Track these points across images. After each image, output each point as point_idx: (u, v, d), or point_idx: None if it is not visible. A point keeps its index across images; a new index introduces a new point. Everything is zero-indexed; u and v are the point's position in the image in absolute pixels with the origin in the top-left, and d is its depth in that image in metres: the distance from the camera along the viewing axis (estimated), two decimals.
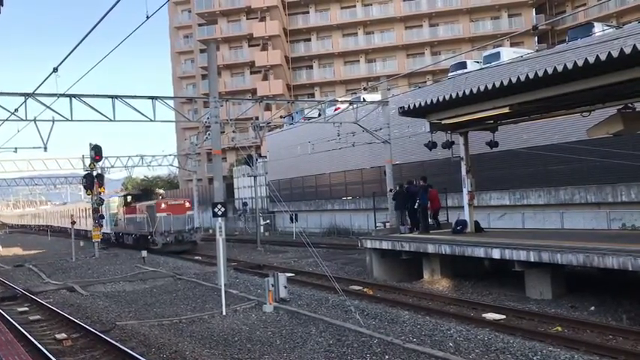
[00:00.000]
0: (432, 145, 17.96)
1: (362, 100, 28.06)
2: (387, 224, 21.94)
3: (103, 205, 38.48)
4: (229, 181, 50.51)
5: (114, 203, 39.74)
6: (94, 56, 14.22)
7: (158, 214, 30.16)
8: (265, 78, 60.24)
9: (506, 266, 14.14)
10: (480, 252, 14.49)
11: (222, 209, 14.09)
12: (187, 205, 32.08)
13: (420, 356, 8.86)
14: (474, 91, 14.24)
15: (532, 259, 12.90)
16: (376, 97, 28.26)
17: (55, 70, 14.42)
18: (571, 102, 14.26)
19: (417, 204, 18.97)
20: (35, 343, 10.81)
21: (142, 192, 38.50)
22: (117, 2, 9.60)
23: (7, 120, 19.04)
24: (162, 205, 30.84)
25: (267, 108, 49.96)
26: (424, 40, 58.49)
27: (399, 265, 18.02)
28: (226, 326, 11.77)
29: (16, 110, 18.39)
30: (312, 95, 60.36)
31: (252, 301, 14.03)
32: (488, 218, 24.45)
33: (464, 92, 14.65)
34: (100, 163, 33.59)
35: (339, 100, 31.93)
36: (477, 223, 18.43)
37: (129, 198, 36.12)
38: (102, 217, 32.07)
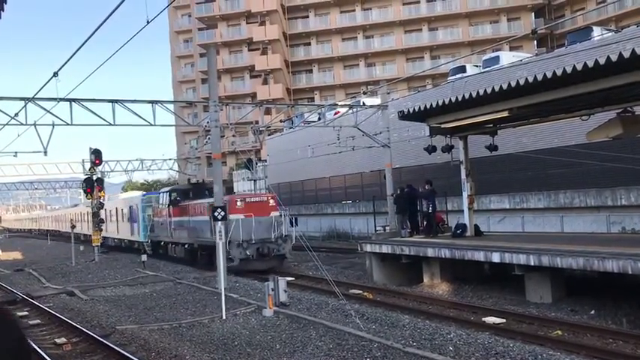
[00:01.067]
0: (431, 149, 18.01)
1: (361, 104, 28.11)
2: (387, 228, 21.95)
3: (135, 205, 33.33)
4: (229, 184, 50.51)
5: (147, 203, 31.76)
6: (94, 61, 14.28)
7: (232, 217, 20.70)
8: (265, 82, 60.32)
9: (506, 270, 14.14)
10: (479, 256, 14.49)
11: (222, 213, 14.12)
12: (272, 202, 22.47)
13: None
14: (474, 95, 14.28)
15: (532, 263, 12.90)
16: (376, 101, 28.33)
17: (56, 74, 14.45)
18: (570, 106, 14.29)
19: (430, 208, 19.07)
20: (35, 348, 10.80)
21: (192, 186, 28.38)
22: (117, 7, 9.64)
23: (7, 124, 19.07)
24: (238, 203, 21.70)
25: (267, 112, 49.98)
26: (424, 44, 58.61)
27: (399, 268, 18.02)
28: (226, 330, 11.75)
29: (16, 115, 18.41)
30: (312, 99, 60.43)
31: (252, 306, 14.01)
32: (488, 222, 24.45)
33: (463, 96, 14.69)
34: (100, 167, 33.52)
35: (339, 104, 31.95)
36: (476, 227, 18.45)
37: (174, 194, 27.00)
38: (102, 221, 31.61)
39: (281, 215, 22.25)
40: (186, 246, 25.13)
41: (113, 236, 38.18)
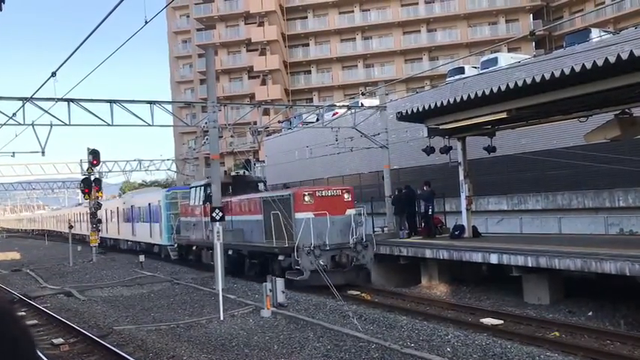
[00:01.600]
0: (429, 150, 18.03)
1: (360, 105, 28.11)
2: (385, 229, 21.96)
3: (156, 203, 29.33)
4: None
5: (171, 200, 27.79)
6: (93, 61, 14.27)
7: (300, 215, 16.76)
8: (263, 83, 60.31)
9: (504, 271, 14.16)
10: (477, 257, 14.51)
11: (220, 214, 14.12)
12: (347, 197, 17.59)
13: None
14: (472, 96, 14.30)
15: (530, 264, 12.91)
16: (374, 102, 28.33)
17: (54, 74, 14.44)
18: (568, 107, 14.32)
19: (430, 210, 19.09)
20: None
21: (232, 180, 23.88)
22: (115, 7, 9.64)
23: (4, 124, 19.04)
24: (307, 198, 16.96)
25: (266, 113, 49.96)
26: (422, 45, 58.64)
27: (397, 270, 18.02)
28: (224, 331, 11.73)
29: (14, 115, 18.38)
30: (311, 100, 60.41)
31: (250, 306, 13.99)
32: (486, 223, 24.44)
33: (461, 97, 14.71)
34: (98, 168, 33.44)
35: (338, 104, 31.93)
36: (474, 228, 18.46)
37: (210, 189, 20.91)
38: (100, 221, 31.48)
39: (359, 214, 17.96)
40: (229, 252, 19.57)
41: (127, 238, 35.15)
